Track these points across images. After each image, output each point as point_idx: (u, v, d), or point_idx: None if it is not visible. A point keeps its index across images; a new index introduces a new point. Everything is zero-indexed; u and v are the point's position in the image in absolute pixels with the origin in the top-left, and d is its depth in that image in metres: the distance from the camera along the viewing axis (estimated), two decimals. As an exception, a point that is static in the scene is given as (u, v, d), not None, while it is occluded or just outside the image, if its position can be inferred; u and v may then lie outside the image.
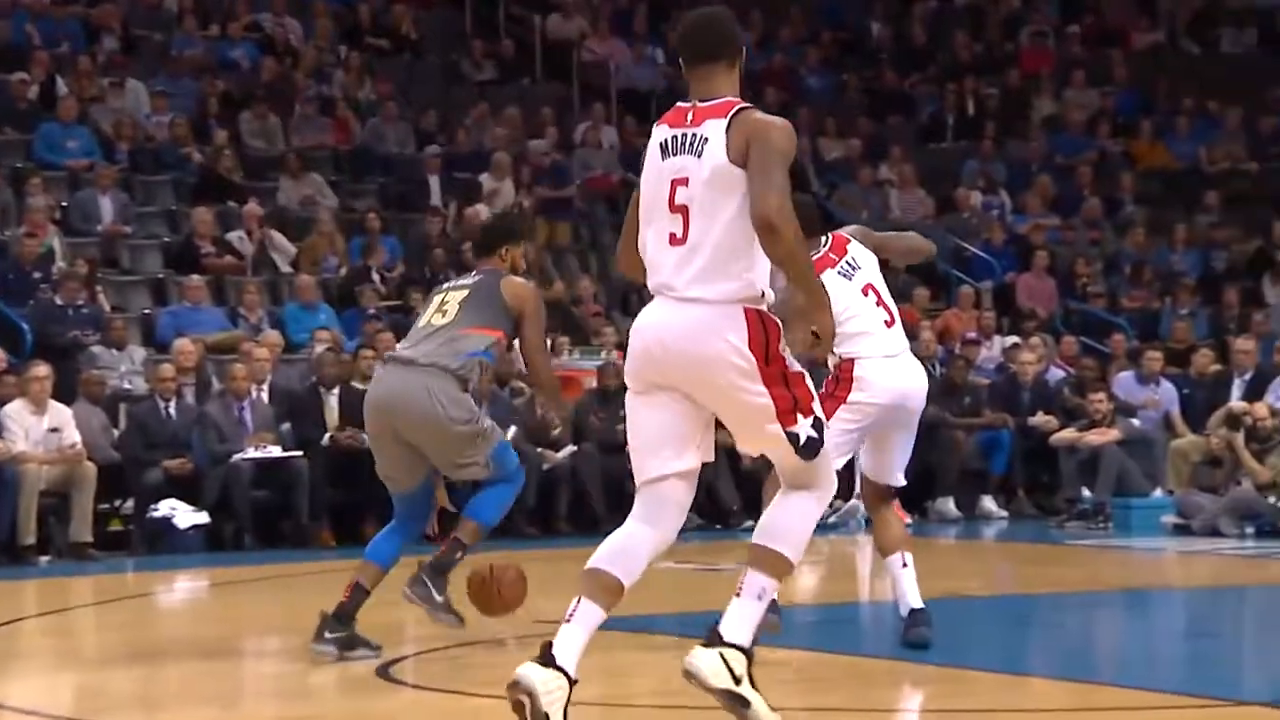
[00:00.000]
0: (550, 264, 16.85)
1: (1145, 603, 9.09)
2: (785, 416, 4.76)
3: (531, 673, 4.64)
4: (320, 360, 12.98)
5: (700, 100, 4.86)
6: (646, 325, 4.85)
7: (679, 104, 4.93)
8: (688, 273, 4.77)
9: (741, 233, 4.74)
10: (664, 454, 4.83)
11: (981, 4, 22.70)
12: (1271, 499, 12.13)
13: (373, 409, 6.71)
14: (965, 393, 14.52)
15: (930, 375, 14.71)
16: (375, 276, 15.49)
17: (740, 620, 4.76)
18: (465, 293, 6.79)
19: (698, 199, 4.78)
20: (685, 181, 4.81)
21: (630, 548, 4.81)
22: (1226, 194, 19.69)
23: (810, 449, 4.80)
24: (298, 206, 16.64)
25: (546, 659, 4.66)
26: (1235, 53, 22.01)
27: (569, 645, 4.69)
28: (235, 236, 15.52)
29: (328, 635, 6.58)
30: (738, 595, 4.80)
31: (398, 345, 6.92)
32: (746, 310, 4.75)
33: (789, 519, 4.86)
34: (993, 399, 14.55)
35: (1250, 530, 12.10)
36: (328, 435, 12.40)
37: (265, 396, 12.68)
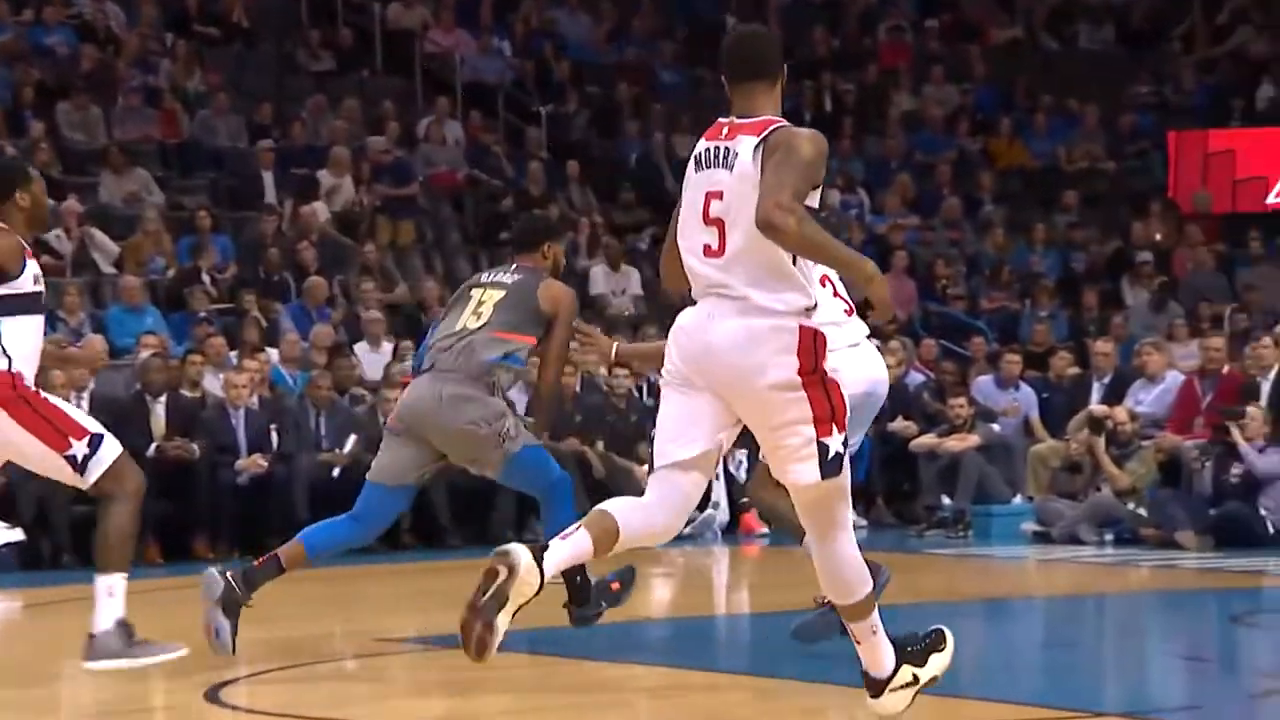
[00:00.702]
0: (393, 265, 16.74)
1: (1005, 612, 9.26)
2: (821, 425, 4.98)
3: (523, 556, 4.83)
4: (146, 366, 12.76)
5: (739, 116, 5.16)
6: (692, 326, 5.08)
7: (719, 119, 5.21)
8: (729, 283, 5.01)
9: (775, 245, 4.95)
10: (681, 440, 5.07)
11: (839, -2, 23.01)
12: (1131, 505, 12.41)
13: (402, 411, 6.89)
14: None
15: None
16: (206, 278, 15.27)
17: (876, 654, 5.23)
18: (502, 294, 6.90)
19: (731, 212, 5.04)
20: (719, 194, 5.07)
21: (641, 508, 5.10)
22: (1085, 193, 20.14)
23: (833, 466, 5.00)
24: (121, 204, 16.35)
25: (537, 556, 4.87)
26: (1093, 49, 22.51)
27: (554, 556, 4.92)
28: (52, 235, 15.21)
29: (221, 594, 6.51)
30: (859, 643, 5.26)
31: (432, 340, 6.98)
32: (787, 321, 4.98)
33: (839, 566, 5.15)
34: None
35: (1109, 537, 12.37)
36: (154, 446, 12.20)
37: (86, 405, 12.43)
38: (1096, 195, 20.35)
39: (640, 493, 5.17)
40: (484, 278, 7.10)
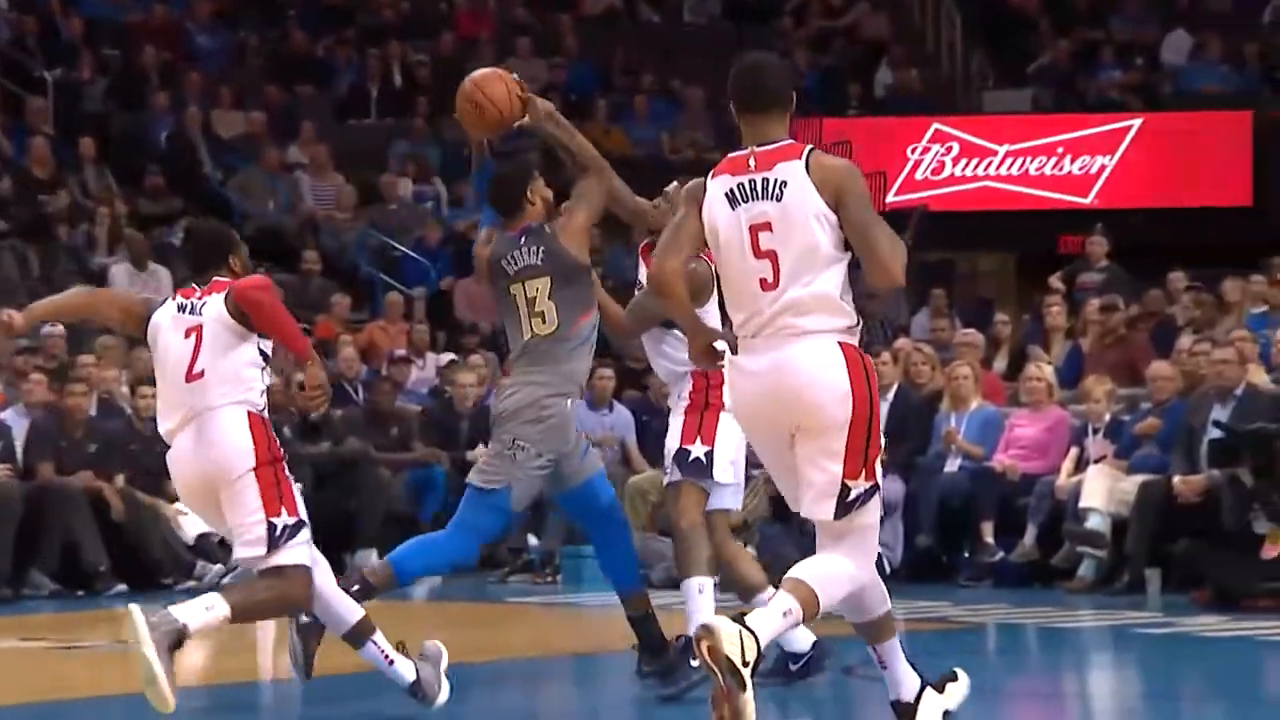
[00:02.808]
0: None
1: (596, 668, 9.43)
2: (850, 467, 5.86)
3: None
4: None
5: (757, 145, 5.93)
6: (746, 372, 5.90)
7: (733, 154, 5.97)
8: (789, 314, 5.82)
9: (833, 271, 5.84)
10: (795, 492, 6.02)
11: (409, -47, 23.11)
12: (742, 541, 12.80)
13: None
14: (393, 422, 14.70)
15: (351, 401, 15.07)
16: None
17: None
18: (546, 280, 7.45)
19: (785, 242, 5.83)
20: (768, 226, 5.85)
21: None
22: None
23: (852, 506, 5.89)
24: None
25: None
26: (699, 23, 23.16)
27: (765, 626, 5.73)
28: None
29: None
30: (884, 667, 6.17)
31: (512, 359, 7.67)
32: (844, 345, 5.85)
33: (827, 570, 5.91)
34: (425, 430, 14.80)
35: (715, 580, 12.70)
36: None
37: None
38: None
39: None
40: (514, 268, 7.50)
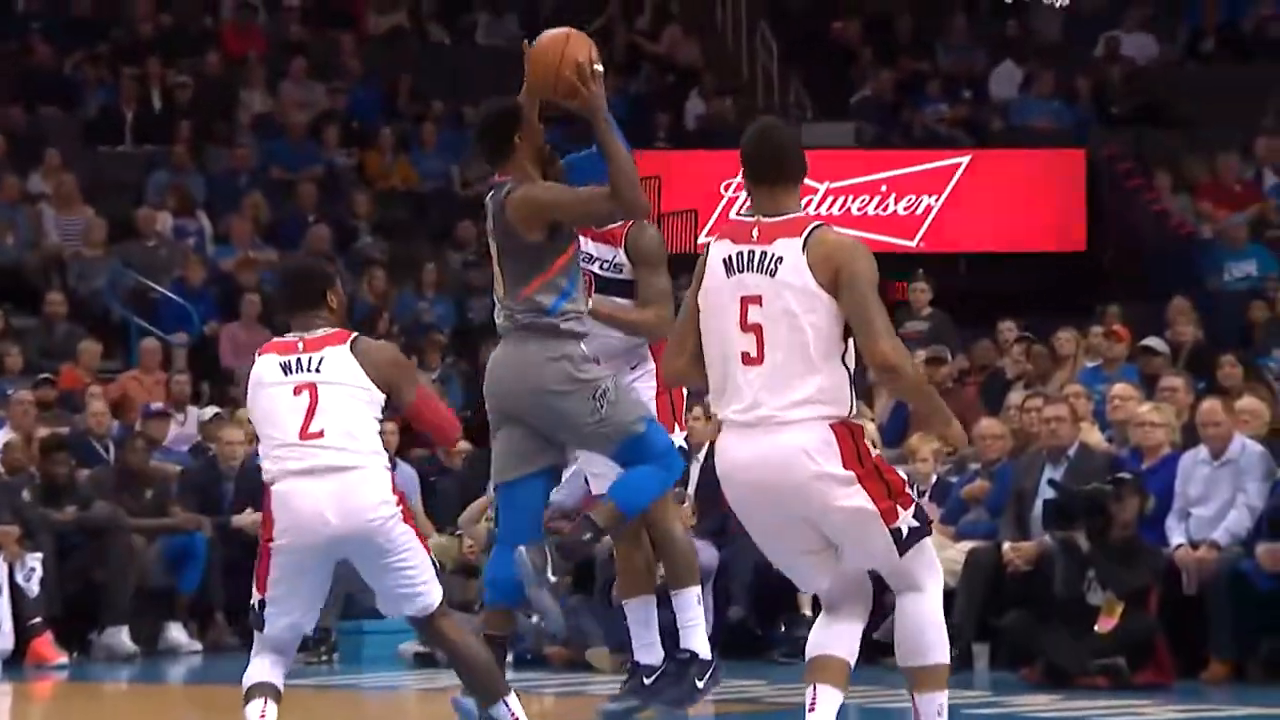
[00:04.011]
0: None
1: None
2: (888, 516, 6.33)
3: None
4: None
5: (764, 215, 6.37)
6: (738, 465, 6.33)
7: (737, 218, 6.44)
8: (768, 395, 6.26)
9: (822, 351, 6.25)
10: (810, 574, 6.58)
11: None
12: (534, 618, 12.76)
13: None
14: (147, 484, 14.49)
15: (100, 461, 14.83)
16: None
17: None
18: (494, 243, 7.71)
19: (773, 319, 6.25)
20: (758, 300, 6.27)
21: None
22: (481, 225, 20.75)
23: (913, 539, 6.36)
24: None
25: None
26: (494, 44, 23.19)
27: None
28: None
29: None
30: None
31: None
32: (834, 427, 6.26)
33: (921, 626, 6.45)
34: (184, 492, 14.62)
35: (510, 658, 12.67)
36: None
37: None
38: (499, 227, 21.00)
39: None
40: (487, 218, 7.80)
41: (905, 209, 20.78)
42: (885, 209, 20.78)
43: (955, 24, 23.67)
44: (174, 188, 19.89)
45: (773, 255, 6.27)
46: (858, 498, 6.28)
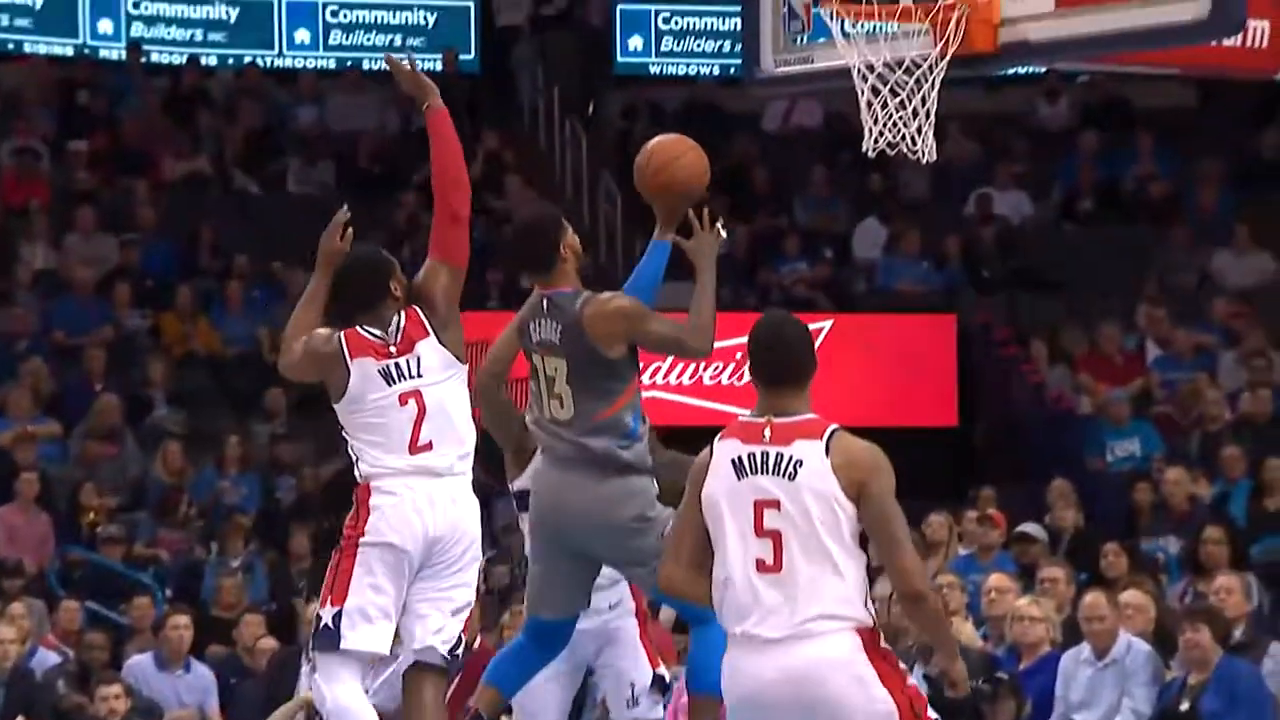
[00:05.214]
0: None
1: None
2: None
3: None
4: None
5: (775, 415, 6.60)
6: (764, 684, 6.48)
7: (746, 418, 6.65)
8: (791, 606, 6.47)
9: (844, 559, 6.47)
10: None
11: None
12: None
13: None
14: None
15: None
16: None
17: None
18: (562, 361, 7.87)
19: (793, 524, 6.48)
20: (775, 505, 6.50)
21: None
22: (298, 392, 20.61)
23: None
24: None
25: None
26: (307, 193, 23.18)
27: None
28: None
29: None
30: None
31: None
32: (860, 633, 6.50)
33: None
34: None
35: None
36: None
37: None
38: (313, 393, 20.83)
39: None
40: (535, 337, 7.98)
41: (760, 379, 20.84)
42: (740, 378, 20.81)
43: (814, 177, 23.93)
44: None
45: (791, 458, 6.53)
46: (889, 703, 6.50)
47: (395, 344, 7.96)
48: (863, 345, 21.05)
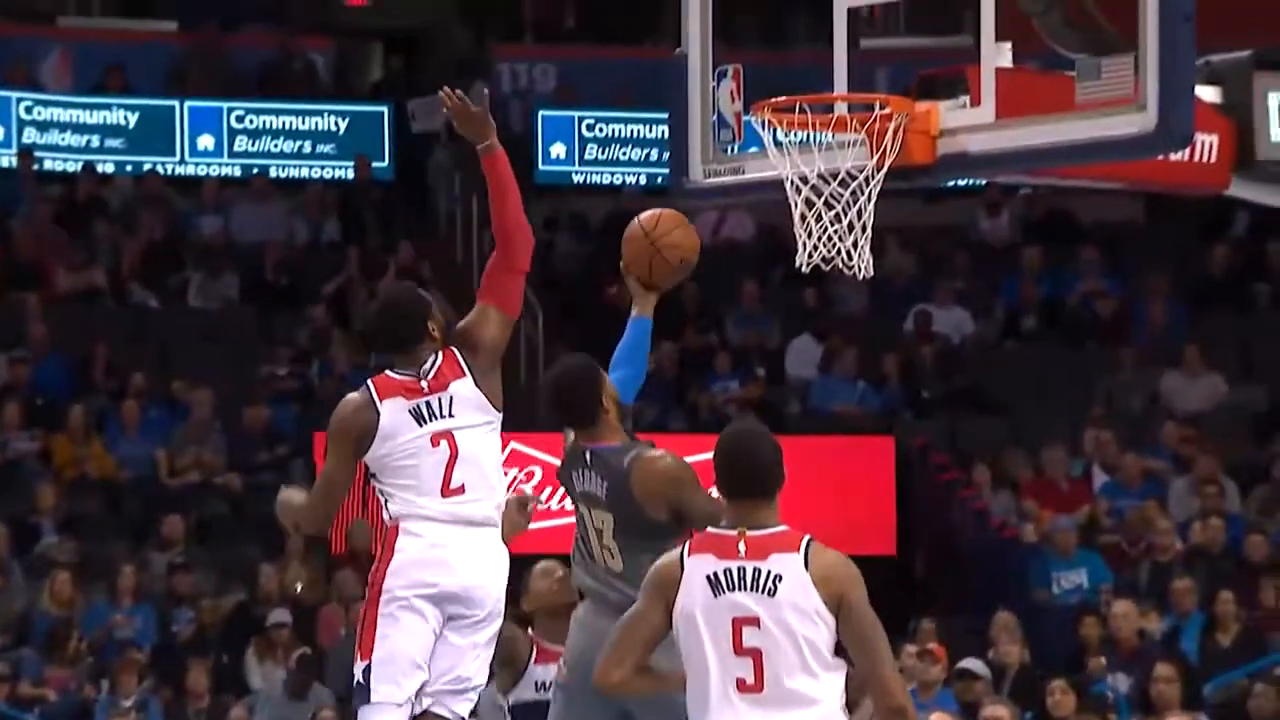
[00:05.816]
0: None
1: None
2: None
3: None
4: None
5: (749, 529, 6.67)
6: None
7: (716, 531, 6.73)
8: None
9: (826, 673, 6.56)
10: None
11: None
12: None
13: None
14: None
15: None
16: None
17: None
18: (609, 516, 8.05)
19: (774, 641, 6.56)
20: (755, 622, 6.57)
21: None
22: (198, 518, 20.46)
23: None
24: None
25: None
26: (209, 308, 23.11)
27: None
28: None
29: None
30: None
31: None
32: None
33: None
34: None
35: None
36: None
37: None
38: (214, 519, 20.72)
39: None
40: (578, 484, 8.22)
41: (688, 505, 20.78)
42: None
43: (746, 292, 23.93)
44: None
45: (770, 573, 6.60)
46: None
47: (428, 381, 8.13)
48: (796, 469, 20.96)
